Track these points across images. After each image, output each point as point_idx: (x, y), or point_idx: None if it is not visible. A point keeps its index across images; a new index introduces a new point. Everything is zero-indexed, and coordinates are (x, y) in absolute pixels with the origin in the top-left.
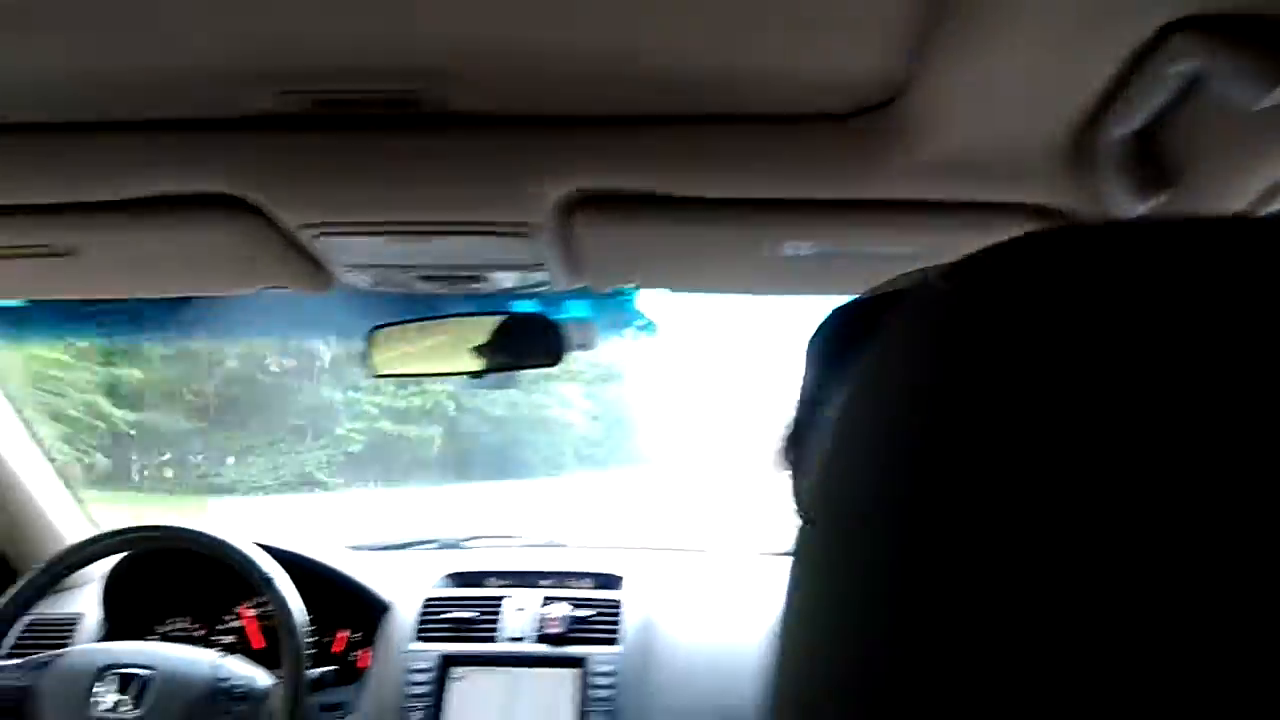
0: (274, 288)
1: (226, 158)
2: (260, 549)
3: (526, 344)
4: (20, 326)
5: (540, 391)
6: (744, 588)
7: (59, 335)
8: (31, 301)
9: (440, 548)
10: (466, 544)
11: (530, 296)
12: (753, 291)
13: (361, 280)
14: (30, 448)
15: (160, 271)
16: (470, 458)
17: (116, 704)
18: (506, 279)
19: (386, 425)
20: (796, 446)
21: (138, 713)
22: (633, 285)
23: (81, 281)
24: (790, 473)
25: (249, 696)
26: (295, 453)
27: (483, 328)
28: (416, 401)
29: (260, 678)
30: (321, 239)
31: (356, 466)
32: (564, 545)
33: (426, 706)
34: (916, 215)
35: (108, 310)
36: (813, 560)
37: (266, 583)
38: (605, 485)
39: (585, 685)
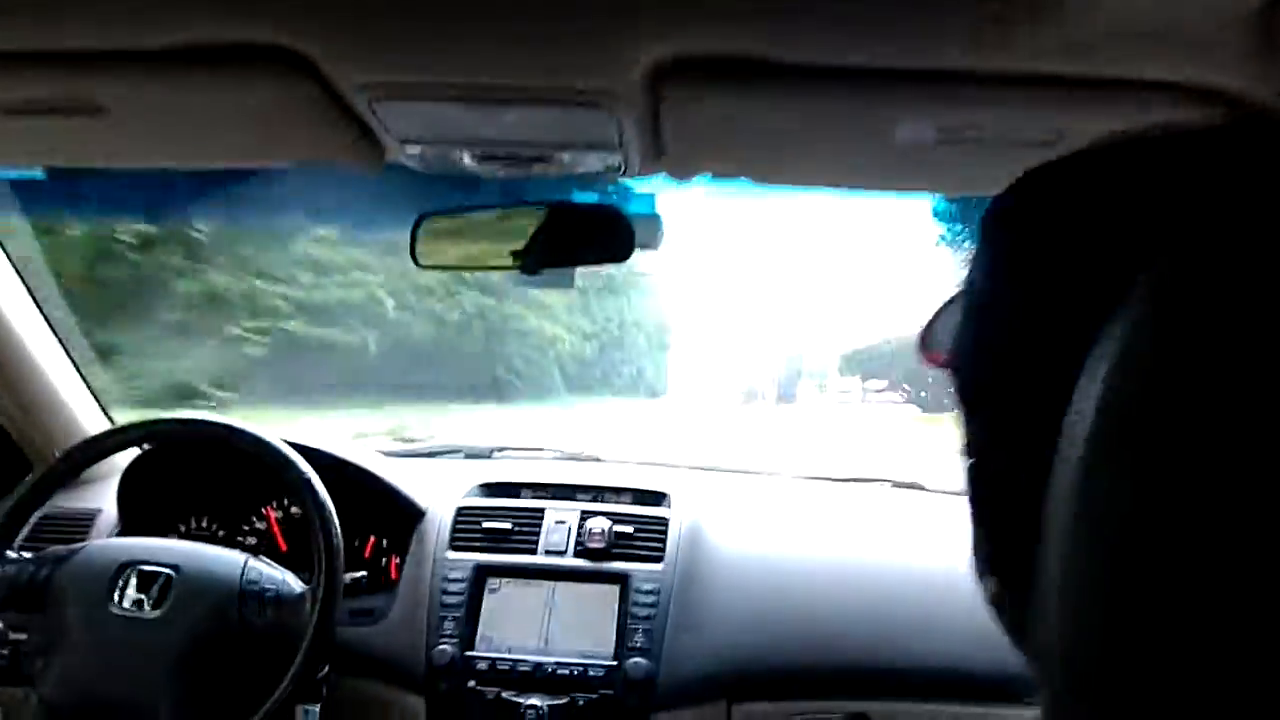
0: (319, 161)
1: (276, 1)
2: (292, 447)
3: (590, 237)
4: (35, 201)
5: (515, 299)
6: (788, 509)
7: (75, 211)
8: (48, 173)
9: (466, 457)
10: (495, 455)
11: (591, 187)
12: (856, 185)
13: (415, 157)
14: (48, 336)
15: (196, 135)
16: (414, 373)
17: (136, 602)
18: (574, 160)
19: (299, 326)
20: (975, 330)
21: (158, 613)
22: (715, 173)
23: (110, 144)
24: (957, 358)
25: (280, 599)
26: (171, 357)
27: (540, 219)
28: (340, 295)
29: (291, 580)
30: (378, 104)
31: (256, 378)
32: (599, 459)
33: (459, 617)
34: (1058, 93)
35: (124, 184)
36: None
37: (303, 483)
38: (600, 414)
39: (627, 602)
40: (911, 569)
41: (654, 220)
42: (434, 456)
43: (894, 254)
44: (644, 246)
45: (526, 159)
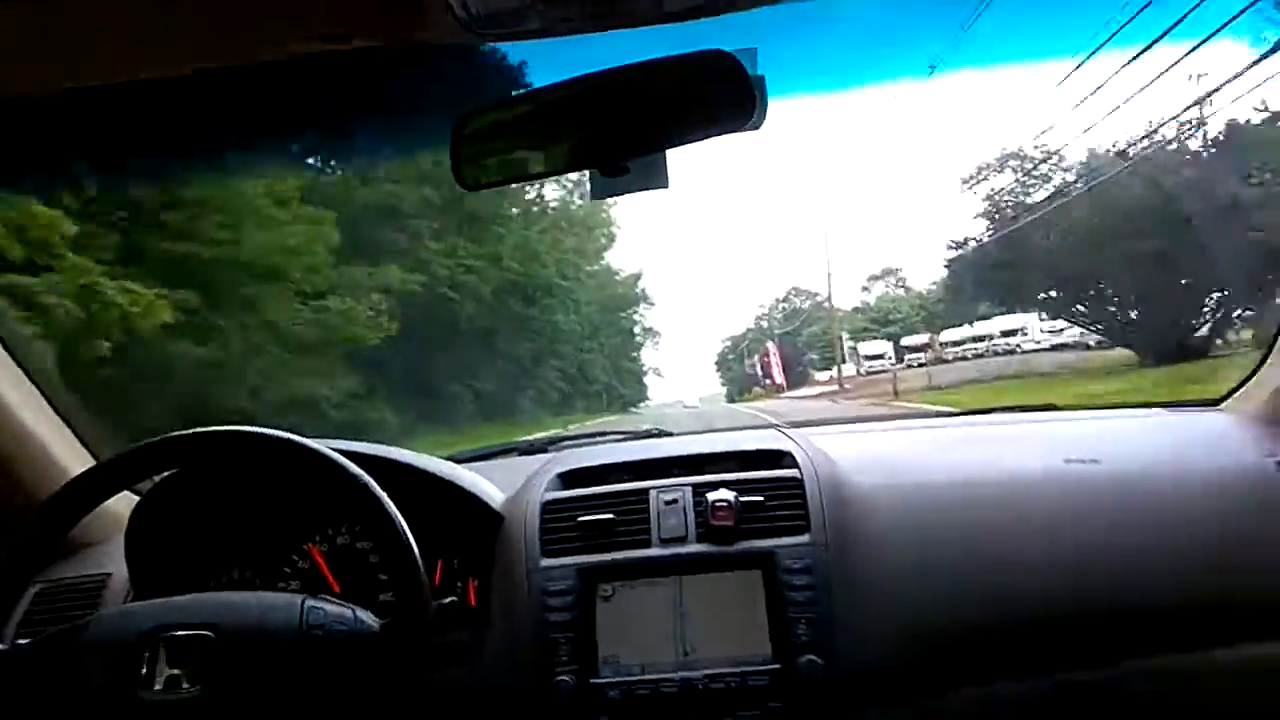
0: (360, 40)
1: None
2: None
3: (690, 104)
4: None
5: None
6: (921, 452)
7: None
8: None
9: (521, 454)
10: (553, 448)
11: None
12: None
13: (479, 20)
14: (19, 378)
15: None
16: None
17: (171, 680)
18: None
19: None
20: None
21: (198, 689)
22: None
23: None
24: None
25: (355, 641)
26: None
27: (617, 92)
28: None
29: (365, 616)
30: None
31: None
32: (669, 433)
33: (571, 637)
34: None
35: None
36: None
37: (369, 498)
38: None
39: (778, 586)
40: (1099, 500)
41: (758, 83)
42: (486, 459)
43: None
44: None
45: None
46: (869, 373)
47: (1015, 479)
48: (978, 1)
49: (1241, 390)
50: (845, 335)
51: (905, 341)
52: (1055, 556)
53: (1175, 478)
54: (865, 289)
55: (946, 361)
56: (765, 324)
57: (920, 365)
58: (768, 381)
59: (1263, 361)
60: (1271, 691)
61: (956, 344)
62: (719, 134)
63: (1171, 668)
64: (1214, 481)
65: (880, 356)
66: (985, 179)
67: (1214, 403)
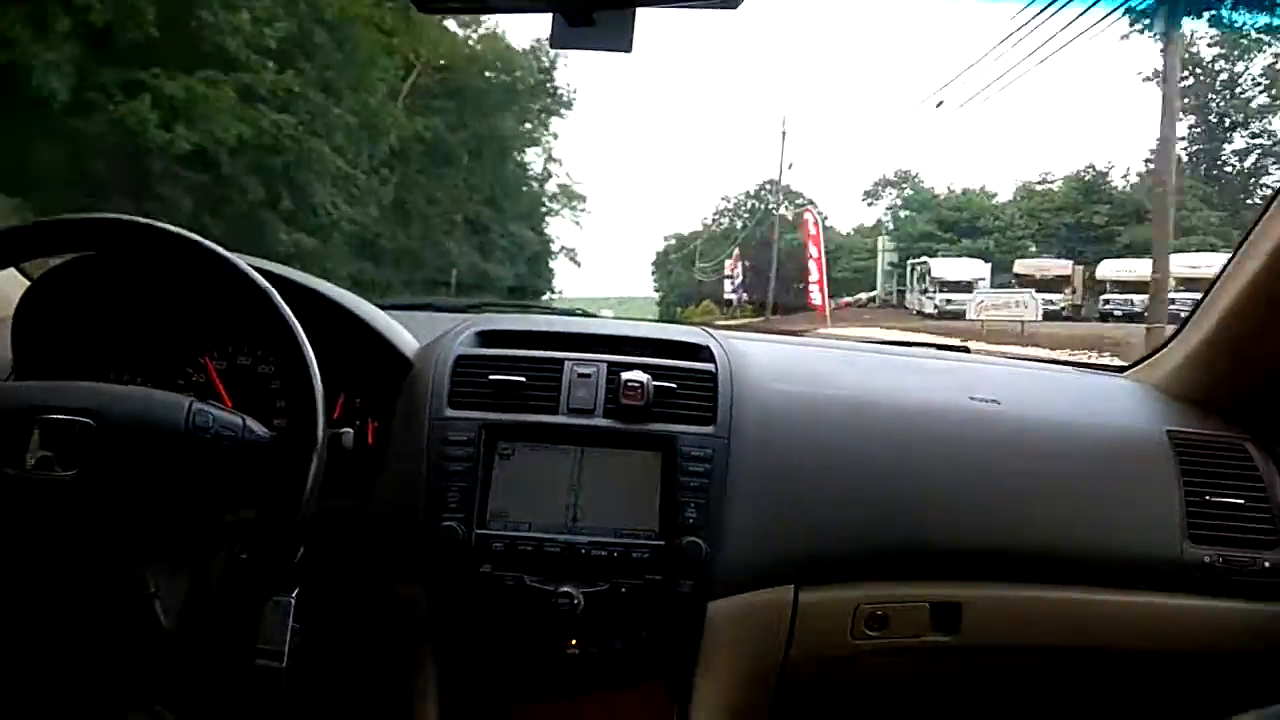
0: None
1: None
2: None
3: None
4: None
5: None
6: (839, 371)
7: None
8: None
9: (439, 311)
10: (483, 310)
11: None
12: None
13: None
14: None
15: None
16: None
17: (42, 461)
18: None
19: None
20: None
21: (71, 474)
22: None
23: None
24: None
25: (241, 446)
26: None
27: None
28: None
29: (254, 426)
30: None
31: None
32: (594, 315)
33: (464, 488)
34: None
35: None
36: None
37: (276, 315)
38: None
39: (674, 471)
40: (991, 437)
41: None
42: (407, 310)
43: None
44: None
45: None
46: (943, 312)
47: (919, 406)
48: None
49: (1148, 360)
50: (887, 245)
51: (1022, 268)
52: (941, 482)
53: (1066, 428)
54: (869, 198)
55: (1115, 316)
56: (731, 223)
57: (1061, 313)
58: (740, 297)
59: (1170, 338)
60: (1116, 636)
61: (1121, 287)
62: (695, 4)
63: (1025, 597)
64: (1103, 439)
65: (967, 287)
66: None
67: (1119, 369)
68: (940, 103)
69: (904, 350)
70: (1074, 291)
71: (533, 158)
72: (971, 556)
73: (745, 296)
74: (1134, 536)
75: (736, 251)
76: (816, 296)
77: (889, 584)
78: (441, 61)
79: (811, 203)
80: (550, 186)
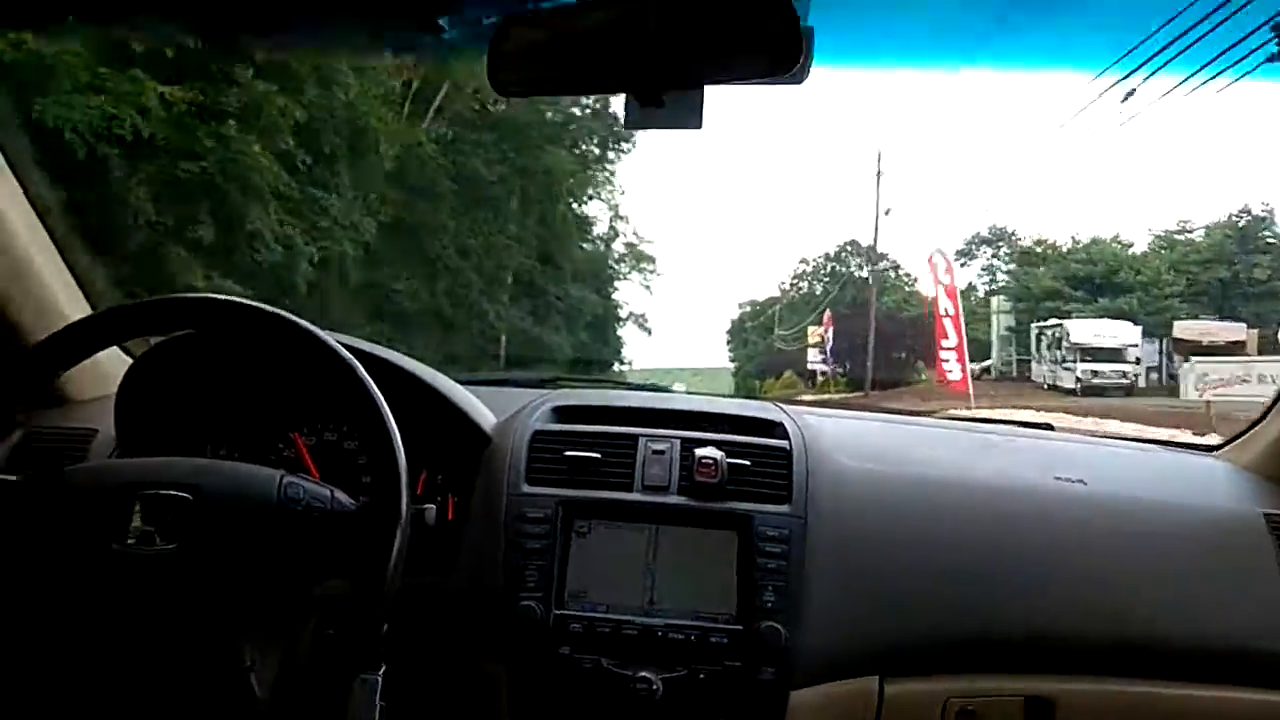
0: None
1: None
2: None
3: (736, 42)
4: None
5: None
6: (920, 448)
7: None
8: None
9: (517, 387)
10: (550, 386)
11: None
12: None
13: None
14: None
15: None
16: None
17: (144, 536)
18: None
19: None
20: None
21: (170, 547)
22: None
23: None
24: None
25: (328, 516)
26: None
27: (664, 17)
28: None
29: (342, 497)
30: None
31: None
32: (674, 390)
33: (542, 566)
34: None
35: None
36: None
37: (363, 391)
38: None
39: (750, 551)
40: (1078, 519)
41: (807, 33)
42: (484, 385)
43: None
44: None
45: None
46: (1086, 386)
47: (1001, 485)
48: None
49: (1239, 440)
50: (1002, 306)
51: (1184, 332)
52: (1027, 566)
53: (1158, 510)
54: (961, 258)
55: None
56: (810, 287)
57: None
58: (830, 367)
59: (1264, 415)
60: None
61: None
62: (762, 79)
63: (1122, 694)
64: (1196, 522)
65: (1114, 355)
66: None
67: (1211, 449)
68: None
69: (984, 427)
70: (1243, 352)
71: (596, 212)
72: (1064, 647)
73: (835, 368)
74: (1237, 627)
75: (828, 315)
76: (952, 367)
77: (978, 677)
78: (475, 89)
79: (897, 267)
80: (617, 246)
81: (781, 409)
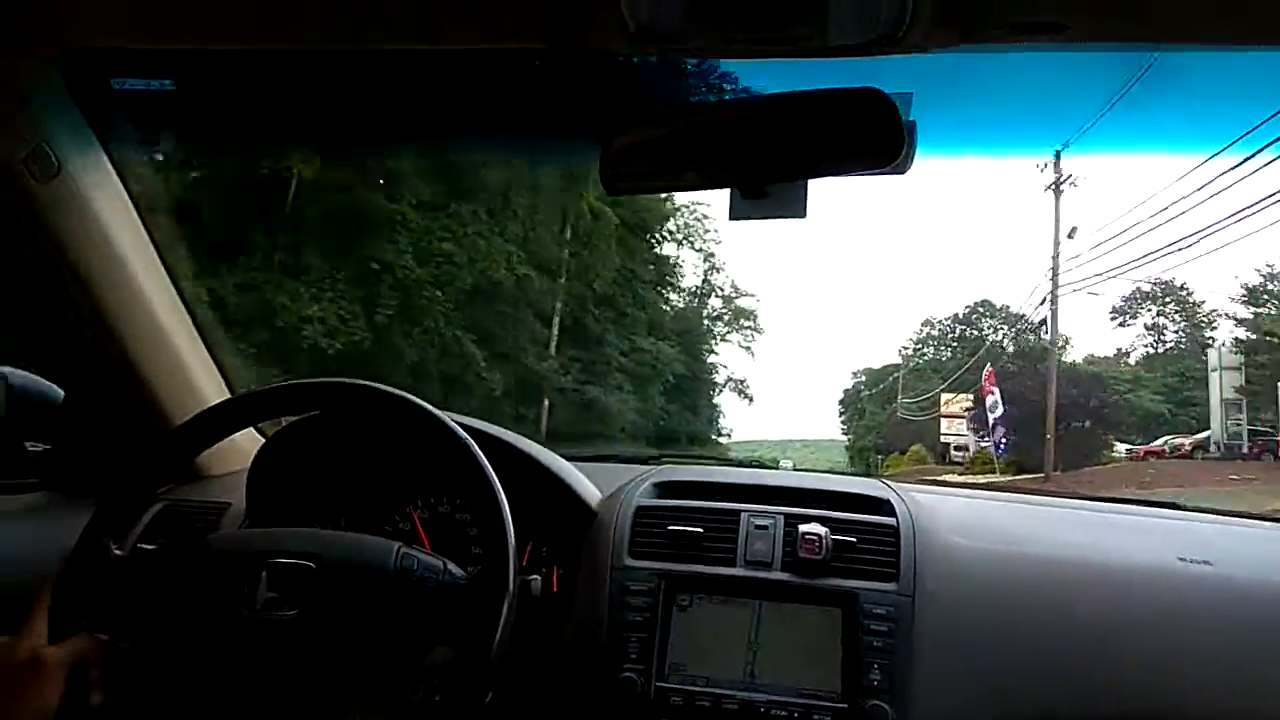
0: (524, 39)
1: None
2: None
3: (838, 137)
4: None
5: None
6: (1033, 527)
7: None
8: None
9: (622, 463)
10: (659, 461)
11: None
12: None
13: (646, 33)
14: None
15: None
16: None
17: (270, 602)
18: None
19: None
20: None
21: (293, 613)
22: (1023, 26)
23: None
24: None
25: (441, 586)
26: None
27: (765, 115)
28: None
29: (454, 569)
30: None
31: None
32: (777, 467)
33: (644, 639)
34: None
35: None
36: None
37: (477, 469)
38: None
39: (856, 629)
40: (1204, 602)
41: (910, 128)
42: (588, 460)
43: None
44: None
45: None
46: None
47: (1121, 567)
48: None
49: None
50: (1228, 360)
51: None
52: (1148, 651)
53: None
54: (1119, 316)
55: None
56: (936, 353)
57: None
58: (992, 441)
59: None
60: None
61: None
62: (866, 172)
63: None
64: None
65: None
66: None
67: None
68: None
69: (1104, 506)
70: None
71: (686, 256)
72: None
73: (998, 440)
74: None
75: (989, 370)
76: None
77: None
78: None
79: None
80: (714, 302)
81: (890, 486)
